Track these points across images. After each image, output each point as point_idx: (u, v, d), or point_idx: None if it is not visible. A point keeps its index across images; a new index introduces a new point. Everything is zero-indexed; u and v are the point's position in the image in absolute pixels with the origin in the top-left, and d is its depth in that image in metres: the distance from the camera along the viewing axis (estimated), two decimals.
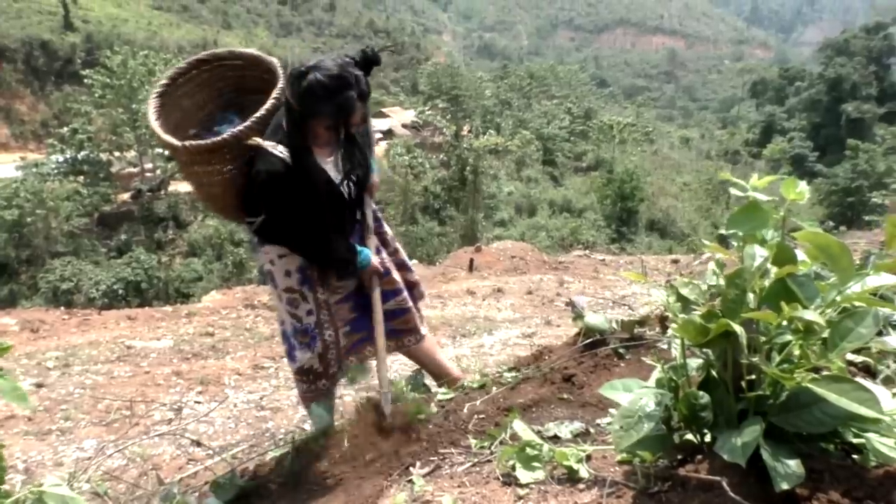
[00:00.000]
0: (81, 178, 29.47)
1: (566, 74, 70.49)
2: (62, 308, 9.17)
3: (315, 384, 2.71)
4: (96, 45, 42.13)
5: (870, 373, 1.73)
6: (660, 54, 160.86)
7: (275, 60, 2.62)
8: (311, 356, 2.61)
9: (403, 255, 2.95)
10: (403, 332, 2.82)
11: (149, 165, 31.78)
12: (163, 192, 30.68)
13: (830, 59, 67.41)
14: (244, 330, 6.76)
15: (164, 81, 2.60)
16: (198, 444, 3.75)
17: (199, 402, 4.51)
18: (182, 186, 30.78)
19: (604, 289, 9.42)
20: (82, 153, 29.55)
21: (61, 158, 29.58)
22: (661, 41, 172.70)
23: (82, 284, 23.18)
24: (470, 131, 39.95)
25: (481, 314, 7.49)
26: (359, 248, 2.54)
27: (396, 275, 2.76)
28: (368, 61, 2.34)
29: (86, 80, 30.83)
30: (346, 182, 2.52)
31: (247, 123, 2.39)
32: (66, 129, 29.96)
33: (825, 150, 59.40)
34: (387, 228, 2.87)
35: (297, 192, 2.34)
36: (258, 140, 2.34)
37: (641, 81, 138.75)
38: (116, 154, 31.39)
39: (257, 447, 3.56)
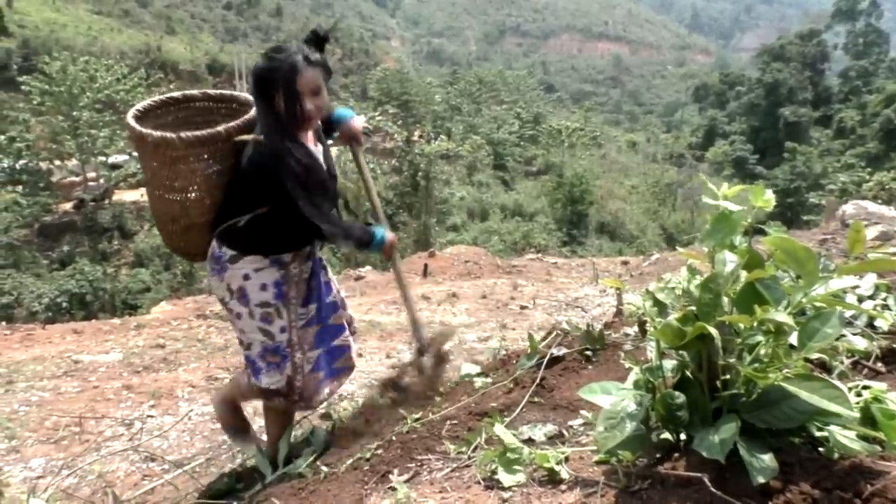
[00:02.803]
0: (20, 187, 28.45)
1: (515, 80, 71.23)
2: (3, 323, 8.84)
3: (272, 400, 2.68)
4: (33, 50, 40.75)
5: (825, 369, 1.81)
6: (605, 60, 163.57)
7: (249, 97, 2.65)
8: (279, 378, 2.56)
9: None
10: (343, 372, 2.82)
11: (91, 174, 30.85)
12: (107, 201, 29.80)
13: (767, 64, 69.76)
14: (196, 341, 6.64)
15: (140, 107, 2.57)
16: (153, 458, 3.67)
17: (151, 416, 4.41)
18: (127, 195, 30.00)
19: (557, 291, 9.54)
20: (20, 162, 28.49)
21: None
22: (606, 47, 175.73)
23: (23, 298, 22.33)
24: (421, 137, 40.02)
25: (437, 319, 7.51)
26: (374, 227, 2.65)
27: (343, 311, 2.83)
28: (319, 39, 2.44)
29: (23, 87, 29.84)
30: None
31: (238, 121, 2.43)
32: (2, 137, 28.84)
33: (765, 153, 61.41)
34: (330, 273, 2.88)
35: (311, 174, 2.40)
36: (252, 136, 2.37)
37: (588, 86, 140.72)
38: (57, 163, 30.39)
39: (214, 460, 3.51)
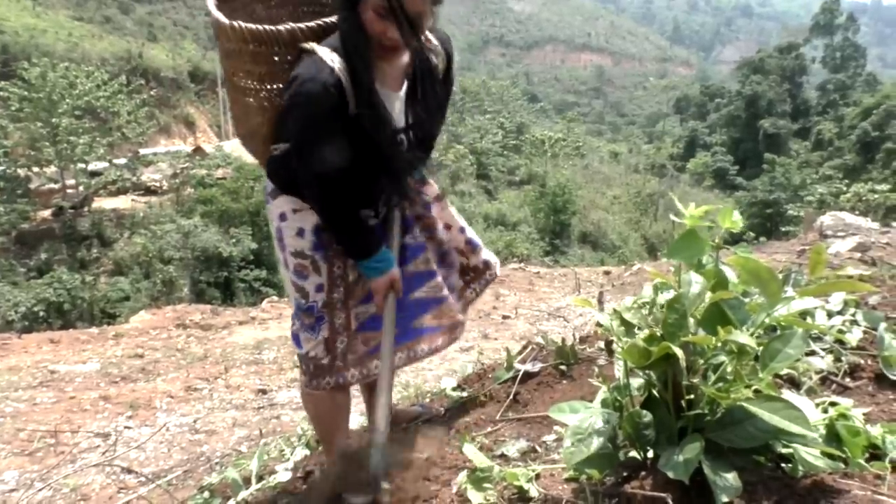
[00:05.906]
0: None
1: (498, 90, 71.68)
2: None
3: (317, 379, 2.06)
4: (12, 56, 40.21)
5: (794, 384, 1.84)
6: (588, 71, 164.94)
7: None
8: (316, 341, 2.03)
9: (460, 223, 2.35)
10: (432, 332, 2.20)
11: (70, 182, 30.53)
12: (86, 208, 29.51)
13: (747, 77, 70.70)
14: (176, 350, 6.59)
15: None
16: (129, 471, 3.63)
17: (129, 428, 4.36)
18: (107, 203, 29.71)
19: (539, 301, 9.56)
20: None
21: None
22: (589, 58, 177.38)
23: None
24: None
25: None
26: (385, 250, 1.97)
27: (431, 254, 2.21)
28: None
29: (1, 93, 29.52)
30: (406, 133, 2.00)
31: (311, 24, 1.92)
32: None
33: (745, 164, 62.14)
34: (434, 187, 2.29)
35: (338, 116, 1.83)
36: (313, 44, 1.86)
37: (571, 97, 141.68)
38: (35, 170, 30.05)
39: (192, 472, 3.48)
